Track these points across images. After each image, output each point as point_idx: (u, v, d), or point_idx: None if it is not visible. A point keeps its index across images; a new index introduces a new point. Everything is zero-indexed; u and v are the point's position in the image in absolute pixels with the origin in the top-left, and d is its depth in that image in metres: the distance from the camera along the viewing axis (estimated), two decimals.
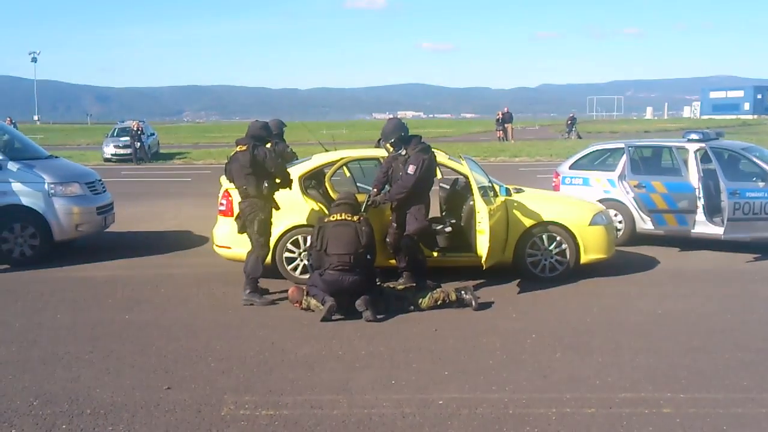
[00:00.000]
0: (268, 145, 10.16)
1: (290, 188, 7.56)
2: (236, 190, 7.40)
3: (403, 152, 7.47)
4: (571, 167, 11.31)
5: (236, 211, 7.47)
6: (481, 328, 6.34)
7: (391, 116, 9.56)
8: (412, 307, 6.85)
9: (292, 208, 7.87)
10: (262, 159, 7.11)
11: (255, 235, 7.20)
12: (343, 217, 6.86)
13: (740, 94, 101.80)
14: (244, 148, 7.17)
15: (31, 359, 5.57)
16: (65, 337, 6.16)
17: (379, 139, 7.98)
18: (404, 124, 7.72)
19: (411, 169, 7.29)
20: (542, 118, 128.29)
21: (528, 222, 7.98)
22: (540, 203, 8.19)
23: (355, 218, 6.88)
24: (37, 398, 4.77)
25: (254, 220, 7.16)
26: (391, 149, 7.61)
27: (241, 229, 7.32)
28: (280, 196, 7.43)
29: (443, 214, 9.25)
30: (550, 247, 8.04)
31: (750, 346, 5.84)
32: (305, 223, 7.85)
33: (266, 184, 7.18)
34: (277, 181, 7.32)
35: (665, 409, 4.54)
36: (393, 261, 7.73)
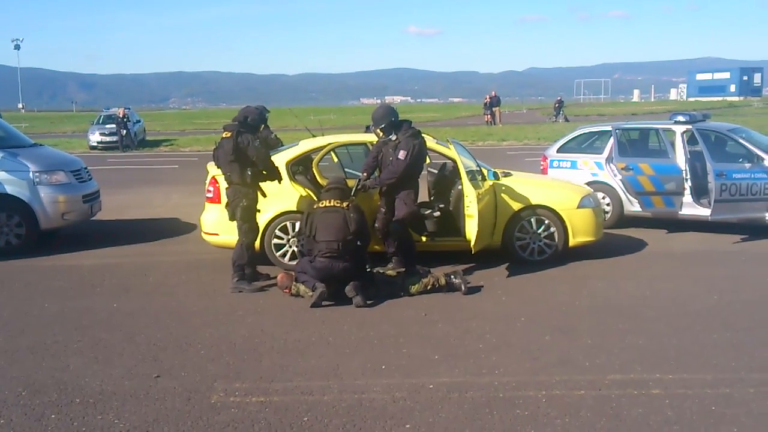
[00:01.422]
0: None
1: (279, 181, 7.51)
2: (222, 176, 7.35)
3: (393, 137, 7.45)
4: (559, 150, 11.32)
5: (224, 198, 7.40)
6: (471, 312, 6.36)
7: (379, 101, 9.48)
8: (401, 293, 6.85)
9: (280, 195, 7.84)
10: (245, 147, 7.02)
11: (239, 222, 7.17)
12: (331, 204, 6.83)
13: (726, 75, 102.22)
14: (229, 134, 7.09)
15: (19, 349, 5.53)
16: (53, 326, 6.12)
17: (368, 125, 7.96)
18: (394, 110, 7.70)
19: (401, 155, 7.27)
20: (530, 101, 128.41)
21: (516, 206, 7.99)
22: (528, 187, 8.20)
23: (344, 205, 6.85)
24: (25, 388, 4.74)
25: (237, 206, 7.12)
26: (381, 135, 7.58)
27: (232, 217, 7.26)
28: (268, 182, 7.37)
29: (431, 198, 9.24)
30: (539, 231, 8.06)
31: (737, 326, 5.88)
32: (293, 209, 7.81)
33: (249, 172, 7.09)
34: (264, 172, 7.23)
35: (654, 390, 4.57)
36: (381, 246, 7.72)
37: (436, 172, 9.41)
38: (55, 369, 5.09)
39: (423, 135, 7.72)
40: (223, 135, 7.18)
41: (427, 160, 8.49)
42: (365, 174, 7.65)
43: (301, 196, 7.86)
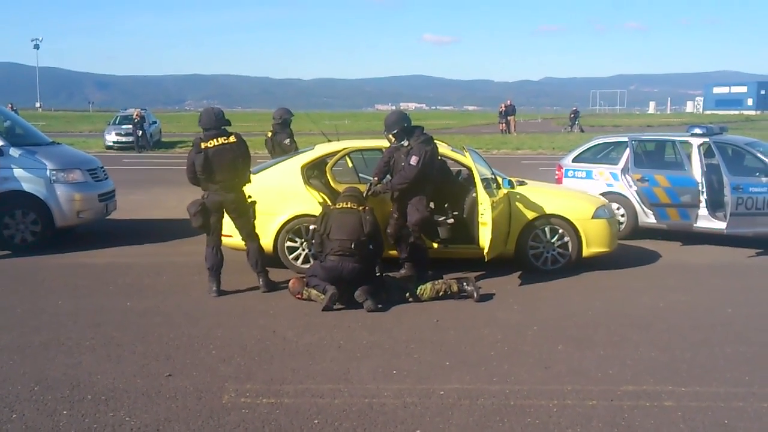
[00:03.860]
0: (270, 134, 10.16)
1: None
2: (213, 184, 6.98)
3: (405, 143, 7.45)
4: (574, 160, 11.28)
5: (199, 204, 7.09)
6: (483, 320, 6.34)
7: (394, 108, 9.54)
8: (413, 298, 6.84)
9: (295, 198, 7.87)
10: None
11: (252, 224, 7.22)
12: (348, 206, 6.90)
13: (743, 89, 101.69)
14: (233, 139, 7.00)
15: (33, 345, 5.56)
16: (66, 323, 6.16)
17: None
18: (406, 116, 7.70)
19: (413, 161, 7.27)
20: (545, 111, 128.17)
21: (530, 214, 7.96)
22: (543, 196, 8.17)
23: (361, 208, 6.91)
24: (38, 384, 4.77)
25: (248, 209, 7.14)
26: (393, 140, 7.59)
27: (204, 226, 7.09)
28: (283, 185, 7.40)
29: (445, 205, 9.21)
30: (553, 240, 8.03)
31: (752, 340, 5.83)
32: (307, 212, 7.83)
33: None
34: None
35: (667, 402, 4.54)
36: (394, 251, 7.72)
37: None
38: (68, 366, 5.12)
39: (436, 141, 7.72)
40: (221, 140, 6.93)
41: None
42: (376, 179, 7.67)
43: (314, 199, 7.86)
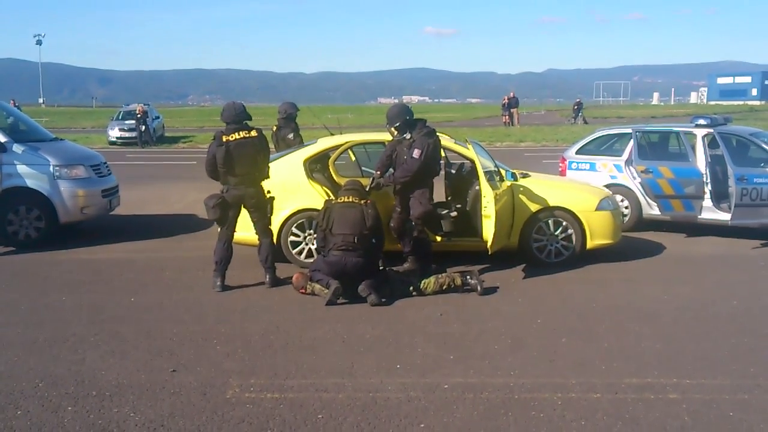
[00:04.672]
0: (274, 129, 10.13)
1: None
2: (233, 177, 6.98)
3: (408, 136, 7.43)
4: (578, 152, 11.24)
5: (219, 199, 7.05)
6: (487, 313, 6.33)
7: (397, 101, 9.51)
8: (416, 292, 6.84)
9: (298, 192, 7.87)
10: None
11: (268, 219, 7.23)
12: (350, 200, 6.89)
13: (748, 79, 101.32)
14: (255, 133, 7.04)
15: (37, 341, 5.57)
16: (71, 319, 6.17)
17: None
18: (409, 109, 7.68)
19: (416, 153, 7.25)
20: (548, 103, 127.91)
21: (534, 207, 7.94)
22: (546, 188, 8.15)
23: (362, 201, 6.90)
24: (42, 380, 4.78)
25: (266, 204, 7.16)
26: (396, 133, 7.57)
27: (221, 219, 7.09)
28: (286, 180, 7.40)
29: (448, 198, 9.21)
30: (556, 232, 8.01)
31: (756, 332, 5.82)
32: (310, 206, 7.82)
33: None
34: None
35: (671, 395, 4.53)
36: (398, 245, 7.71)
37: (453, 172, 9.37)
38: (72, 362, 5.13)
39: (439, 134, 7.70)
40: (242, 134, 6.96)
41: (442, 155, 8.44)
42: (379, 172, 7.65)
43: (317, 193, 7.85)
